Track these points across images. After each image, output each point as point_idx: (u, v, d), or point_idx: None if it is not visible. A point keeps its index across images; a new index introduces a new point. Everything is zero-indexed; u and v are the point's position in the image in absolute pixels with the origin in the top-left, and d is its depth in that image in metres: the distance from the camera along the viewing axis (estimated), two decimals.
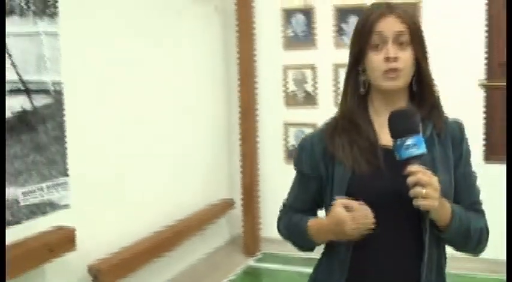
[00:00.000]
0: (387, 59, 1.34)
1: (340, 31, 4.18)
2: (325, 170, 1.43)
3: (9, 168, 2.58)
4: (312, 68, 4.31)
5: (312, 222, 1.42)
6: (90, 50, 3.05)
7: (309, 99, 4.34)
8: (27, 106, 2.69)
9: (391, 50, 1.34)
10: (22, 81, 2.65)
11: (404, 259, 1.37)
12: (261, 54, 4.37)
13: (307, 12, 4.29)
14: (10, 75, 2.59)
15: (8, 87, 2.58)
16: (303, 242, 1.47)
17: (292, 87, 4.37)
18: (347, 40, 4.07)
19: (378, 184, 1.34)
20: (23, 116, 2.67)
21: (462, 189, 1.42)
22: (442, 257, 1.41)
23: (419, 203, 1.23)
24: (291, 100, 4.40)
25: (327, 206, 1.40)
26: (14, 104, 2.63)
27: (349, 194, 1.34)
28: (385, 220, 1.30)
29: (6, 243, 2.52)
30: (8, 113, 2.60)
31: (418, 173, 1.23)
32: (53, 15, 2.82)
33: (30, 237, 2.66)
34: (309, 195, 1.49)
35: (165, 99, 3.71)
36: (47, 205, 2.80)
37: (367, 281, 1.39)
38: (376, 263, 1.37)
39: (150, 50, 3.54)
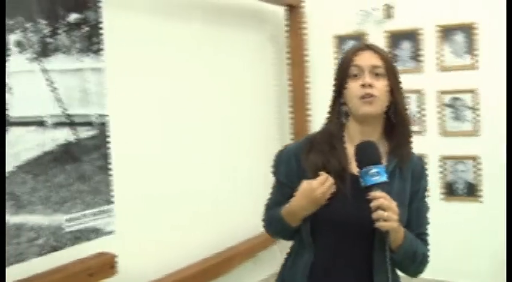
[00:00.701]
0: (363, 85, 1.48)
1: (392, 57, 4.08)
2: (298, 181, 1.55)
3: (53, 196, 2.72)
4: None
5: (284, 207, 1.57)
6: (135, 82, 3.16)
7: None
8: (71, 138, 2.82)
9: (367, 77, 1.49)
10: (66, 115, 2.79)
11: (356, 275, 1.52)
12: (314, 82, 4.35)
13: (359, 39, 4.23)
14: (55, 109, 2.74)
15: (52, 120, 2.73)
16: (283, 229, 1.61)
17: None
18: (400, 66, 3.97)
19: (339, 206, 1.48)
20: (67, 147, 2.80)
21: (413, 221, 1.56)
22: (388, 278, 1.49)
23: (380, 224, 1.37)
24: None
25: None
26: (59, 136, 2.77)
27: (312, 215, 1.52)
28: (342, 240, 1.49)
29: (51, 267, 2.65)
30: (53, 145, 2.74)
31: (381, 198, 1.37)
32: (98, 51, 2.96)
33: (73, 262, 2.76)
34: (284, 199, 1.60)
35: (216, 128, 3.77)
36: (91, 231, 2.91)
37: None
38: (331, 273, 1.52)
39: (200, 80, 3.62)
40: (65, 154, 2.79)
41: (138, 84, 3.18)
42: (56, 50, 2.75)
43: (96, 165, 2.95)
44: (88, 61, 2.92)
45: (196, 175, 3.56)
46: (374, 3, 4.08)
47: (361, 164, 1.42)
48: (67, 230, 2.79)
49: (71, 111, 2.81)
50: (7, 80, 2.52)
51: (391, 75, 1.53)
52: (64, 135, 2.79)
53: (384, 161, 1.50)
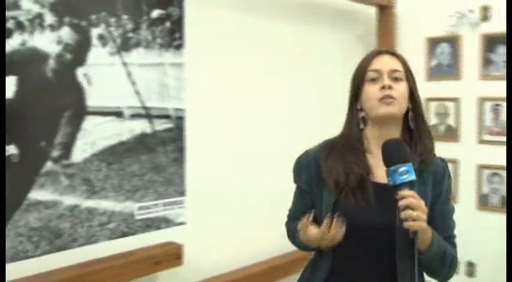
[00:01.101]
0: (383, 87, 1.45)
1: (487, 62, 3.83)
2: (317, 188, 1.55)
3: (126, 184, 2.82)
4: (455, 100, 4.01)
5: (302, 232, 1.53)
6: (213, 79, 3.20)
7: (451, 133, 4.03)
8: (148, 130, 2.91)
9: (386, 80, 1.46)
10: (144, 107, 2.88)
11: None
12: None
13: (453, 42, 4.01)
14: (133, 101, 2.84)
15: (130, 112, 2.83)
16: (304, 247, 1.63)
17: (433, 120, 4.09)
18: (495, 71, 3.72)
19: (362, 215, 1.45)
20: (143, 138, 2.89)
21: (439, 224, 1.51)
22: None
23: (410, 224, 1.32)
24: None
25: (318, 220, 1.51)
26: (135, 127, 2.86)
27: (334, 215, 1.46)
28: (364, 247, 1.45)
29: (119, 251, 2.76)
30: (129, 135, 2.85)
31: (409, 197, 1.32)
32: (179, 46, 3.03)
33: (141, 248, 2.85)
34: (306, 207, 1.59)
35: (299, 127, 3.72)
36: (162, 221, 2.99)
37: None
38: (352, 280, 1.49)
39: (282, 78, 3.60)
40: (140, 145, 2.88)
41: (216, 81, 3.22)
42: (137, 45, 2.85)
43: (171, 157, 3.02)
44: (168, 56, 2.99)
45: (272, 172, 3.54)
46: (470, 5, 3.84)
47: (389, 162, 1.37)
48: (138, 217, 2.88)
49: (149, 104, 2.90)
50: (88, 71, 2.63)
51: (411, 79, 1.52)
52: (140, 126, 2.89)
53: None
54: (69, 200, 2.59)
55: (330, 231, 1.41)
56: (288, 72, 3.63)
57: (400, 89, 1.48)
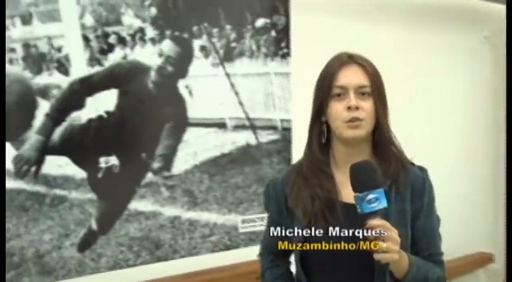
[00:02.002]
0: (349, 108, 1.34)
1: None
2: (287, 217, 1.46)
3: (229, 196, 2.75)
4: None
5: None
6: None
7: None
8: (252, 141, 2.82)
9: (353, 99, 1.34)
10: (248, 118, 2.79)
11: None
12: None
13: None
14: (236, 112, 2.76)
15: (233, 123, 2.76)
16: None
17: None
18: None
19: (331, 239, 1.34)
20: (247, 149, 2.81)
21: (421, 241, 1.40)
22: None
23: (380, 256, 1.22)
24: None
25: (290, 251, 1.46)
26: (239, 138, 2.79)
27: (303, 255, 1.40)
28: (339, 274, 1.36)
29: (222, 265, 2.69)
30: (232, 147, 2.78)
31: (379, 227, 1.21)
32: (285, 56, 2.91)
33: (243, 263, 2.75)
34: (280, 238, 1.48)
35: (423, 133, 3.41)
36: None
37: None
38: None
39: (392, 88, 3.32)
40: (244, 156, 2.80)
41: None
42: (240, 55, 2.78)
43: (276, 169, 2.90)
44: (274, 65, 2.88)
45: None
46: None
47: (357, 188, 1.24)
48: (241, 230, 2.79)
49: (253, 115, 2.81)
50: (189, 83, 2.61)
51: (377, 93, 1.39)
52: (244, 137, 2.80)
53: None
54: (170, 211, 2.58)
55: None
56: (403, 80, 3.33)
57: (367, 107, 1.36)
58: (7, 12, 2.17)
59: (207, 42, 2.67)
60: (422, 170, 1.47)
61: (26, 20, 2.23)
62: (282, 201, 1.48)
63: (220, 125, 2.74)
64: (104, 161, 2.38)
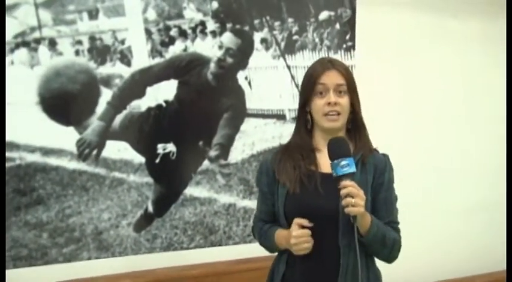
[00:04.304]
0: (329, 103, 1.62)
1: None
2: (275, 188, 1.70)
3: None
4: None
5: (277, 233, 1.68)
6: (386, 80, 2.92)
7: None
8: None
9: (332, 96, 1.63)
10: None
11: (324, 263, 1.62)
12: None
13: None
14: (296, 104, 2.72)
15: (292, 114, 2.74)
16: (271, 247, 1.76)
17: None
18: None
19: (311, 201, 1.62)
20: None
21: (382, 210, 1.66)
22: (358, 265, 1.54)
23: (349, 209, 1.48)
24: None
25: (277, 218, 1.71)
26: None
27: (286, 210, 1.66)
28: (314, 229, 1.58)
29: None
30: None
31: (349, 186, 1.49)
32: (350, 48, 2.84)
33: None
34: (269, 208, 1.75)
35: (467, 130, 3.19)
36: None
37: (296, 276, 1.67)
38: (303, 261, 1.63)
39: (454, 80, 3.12)
40: None
41: (388, 82, 2.93)
42: (302, 47, 2.74)
43: None
44: (337, 58, 2.81)
45: (455, 177, 3.08)
46: None
47: (333, 156, 1.53)
48: None
49: None
50: (249, 74, 2.62)
51: (352, 91, 1.67)
52: None
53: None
54: (225, 198, 2.61)
55: (303, 237, 1.57)
56: (472, 72, 3.12)
57: (343, 103, 1.64)
58: (75, 7, 2.31)
59: (268, 34, 2.67)
60: (385, 155, 1.74)
61: (93, 14, 2.35)
62: (271, 175, 1.72)
63: (279, 116, 2.72)
64: (161, 148, 2.47)
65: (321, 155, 1.67)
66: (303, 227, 1.59)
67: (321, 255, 1.62)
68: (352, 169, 1.51)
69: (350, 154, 1.55)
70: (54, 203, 2.32)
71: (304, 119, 1.72)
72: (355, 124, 1.71)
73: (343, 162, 1.50)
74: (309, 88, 1.68)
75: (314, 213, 1.60)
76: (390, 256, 1.67)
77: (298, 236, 1.57)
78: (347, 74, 1.68)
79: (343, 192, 1.49)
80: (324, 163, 1.63)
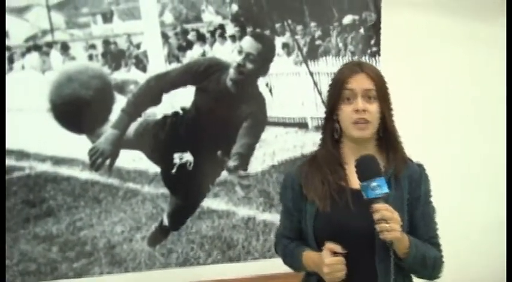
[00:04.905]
0: (357, 110, 1.48)
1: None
2: (302, 204, 1.56)
3: None
4: None
5: (305, 255, 1.54)
6: (412, 87, 2.77)
7: None
8: None
9: (360, 103, 1.48)
10: None
11: None
12: None
13: None
14: (319, 112, 2.60)
15: (315, 123, 2.61)
16: (297, 268, 1.62)
17: None
18: None
19: (344, 221, 1.48)
20: None
21: (421, 226, 1.54)
22: None
23: (384, 235, 1.37)
24: None
25: (305, 236, 1.57)
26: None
27: (315, 229, 1.52)
28: (351, 252, 1.45)
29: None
30: (312, 147, 2.60)
31: (383, 210, 1.36)
32: (375, 54, 2.70)
33: None
34: (294, 225, 1.60)
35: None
36: None
37: None
38: None
39: (487, 86, 2.95)
40: None
41: (414, 89, 2.77)
42: (325, 53, 2.61)
43: None
44: None
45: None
46: None
47: (361, 178, 1.41)
48: None
49: None
50: (270, 81, 2.50)
51: (382, 97, 1.52)
52: None
53: (382, 170, 1.48)
54: (244, 211, 2.48)
55: (333, 265, 1.44)
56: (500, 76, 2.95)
57: (373, 110, 1.50)
58: (89, 10, 2.20)
59: (289, 39, 2.54)
60: (420, 165, 1.60)
61: (107, 17, 2.24)
62: (297, 189, 1.58)
63: (301, 125, 2.59)
64: (178, 157, 2.34)
65: (350, 169, 1.53)
66: (335, 252, 1.46)
67: (356, 279, 1.49)
68: (384, 190, 1.39)
69: (380, 173, 1.43)
70: (64, 215, 2.21)
71: (331, 128, 1.58)
72: (387, 133, 1.57)
73: (374, 184, 1.39)
74: (335, 94, 1.54)
75: (347, 234, 1.49)
76: (432, 275, 1.56)
77: (331, 263, 1.45)
78: (377, 78, 1.53)
79: (376, 216, 1.38)
80: (354, 177, 1.49)
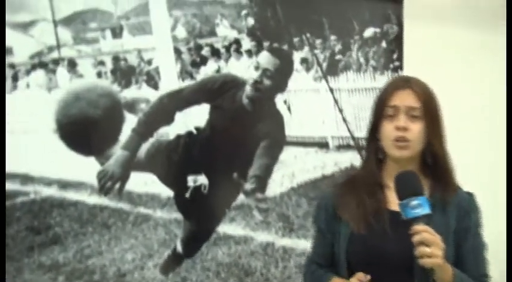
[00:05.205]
0: (397, 128, 1.39)
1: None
2: (336, 225, 1.48)
3: None
4: None
5: (333, 281, 1.47)
6: None
7: None
8: (357, 162, 2.49)
9: (402, 120, 1.39)
10: (353, 138, 2.48)
11: None
12: None
13: None
14: (340, 131, 2.48)
15: (336, 142, 2.48)
16: None
17: None
18: None
19: (379, 244, 1.39)
20: (351, 171, 2.49)
21: (469, 261, 1.43)
22: None
23: (424, 261, 1.26)
24: None
25: (336, 261, 1.48)
26: (342, 159, 2.50)
27: (349, 252, 1.43)
28: (381, 278, 1.36)
29: None
30: (335, 168, 2.48)
31: (423, 232, 1.26)
32: (397, 69, 2.56)
33: None
34: (326, 250, 1.51)
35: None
36: None
37: None
38: None
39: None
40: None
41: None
42: (346, 68, 2.48)
43: None
44: (384, 80, 2.53)
45: None
46: None
47: (401, 195, 1.30)
48: None
49: (358, 134, 2.48)
50: (288, 98, 2.37)
51: (430, 117, 1.42)
52: (348, 158, 2.50)
53: (426, 194, 1.35)
54: (262, 236, 2.34)
55: None
56: None
57: (415, 130, 1.39)
58: (98, 25, 2.08)
59: (308, 54, 2.41)
60: (470, 194, 1.50)
61: (117, 33, 2.13)
62: (330, 210, 1.51)
63: (322, 145, 2.46)
64: (192, 180, 2.21)
65: (391, 192, 1.43)
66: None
67: None
68: (426, 210, 1.27)
69: (422, 191, 1.32)
70: (72, 242, 2.08)
71: (375, 148, 1.48)
72: (436, 159, 1.45)
73: (414, 203, 1.27)
74: (378, 110, 1.45)
75: (382, 258, 1.40)
76: None
77: None
78: (424, 96, 1.43)
79: (415, 239, 1.26)
80: (394, 200, 1.38)
